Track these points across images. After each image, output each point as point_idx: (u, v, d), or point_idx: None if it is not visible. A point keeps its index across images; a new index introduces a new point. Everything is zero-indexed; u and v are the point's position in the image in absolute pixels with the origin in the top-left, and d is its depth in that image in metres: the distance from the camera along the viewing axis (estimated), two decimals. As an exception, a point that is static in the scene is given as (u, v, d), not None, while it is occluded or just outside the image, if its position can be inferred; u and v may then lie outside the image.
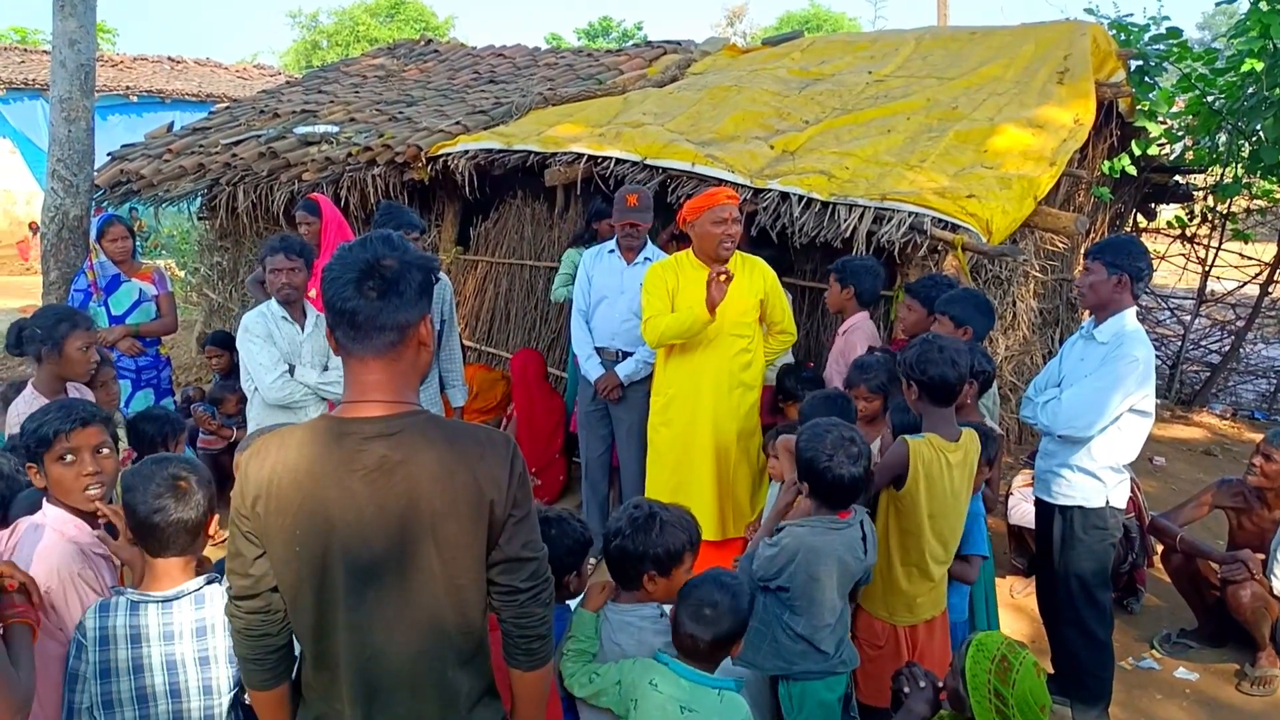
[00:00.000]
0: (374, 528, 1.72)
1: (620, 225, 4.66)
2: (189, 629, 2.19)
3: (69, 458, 2.45)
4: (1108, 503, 3.57)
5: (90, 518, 2.46)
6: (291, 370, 4.05)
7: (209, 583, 2.24)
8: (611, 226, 4.83)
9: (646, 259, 4.71)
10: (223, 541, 2.54)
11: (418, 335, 1.77)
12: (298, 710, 1.92)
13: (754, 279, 4.20)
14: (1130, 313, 3.51)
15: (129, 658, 2.16)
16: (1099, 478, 3.54)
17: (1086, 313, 3.87)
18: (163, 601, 2.18)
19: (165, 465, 2.25)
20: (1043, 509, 3.77)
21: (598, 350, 4.79)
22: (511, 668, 1.91)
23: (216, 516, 2.26)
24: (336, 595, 1.76)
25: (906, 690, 2.55)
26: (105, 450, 2.51)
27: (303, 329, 4.13)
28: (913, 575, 3.09)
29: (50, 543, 2.36)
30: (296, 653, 1.94)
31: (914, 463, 2.96)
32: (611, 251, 4.80)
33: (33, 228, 16.46)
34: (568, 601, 2.65)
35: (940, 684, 2.49)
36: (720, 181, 4.93)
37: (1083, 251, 3.75)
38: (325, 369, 4.11)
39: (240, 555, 1.79)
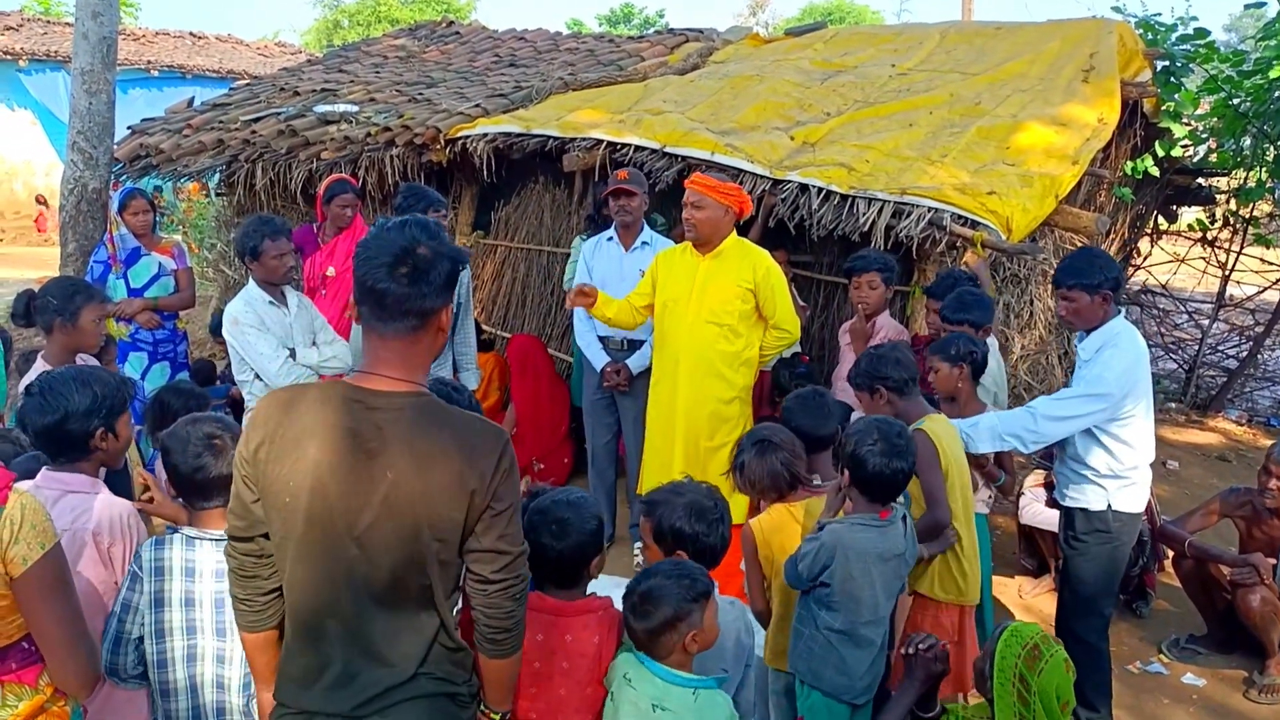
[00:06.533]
0: (361, 497, 1.77)
1: (613, 198, 4.60)
2: None
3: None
4: (1109, 507, 3.54)
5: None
6: (293, 354, 3.98)
7: None
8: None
9: (644, 243, 4.70)
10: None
11: (438, 321, 1.85)
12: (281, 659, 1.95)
13: (742, 269, 4.09)
14: (1116, 320, 3.47)
15: (182, 590, 2.30)
16: (1098, 483, 3.53)
17: None
18: (217, 540, 2.28)
19: (200, 425, 2.40)
20: (1062, 510, 3.81)
21: (601, 340, 4.76)
22: (478, 653, 1.95)
23: None
24: (315, 553, 1.81)
25: (911, 651, 2.56)
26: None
27: (289, 309, 4.05)
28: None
29: (114, 502, 2.49)
30: None
31: (936, 444, 3.06)
32: (610, 239, 4.78)
33: (39, 200, 16.49)
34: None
35: (946, 653, 2.53)
36: (739, 171, 4.91)
37: (1050, 282, 3.72)
38: (314, 345, 4.09)
39: (239, 497, 1.87)
